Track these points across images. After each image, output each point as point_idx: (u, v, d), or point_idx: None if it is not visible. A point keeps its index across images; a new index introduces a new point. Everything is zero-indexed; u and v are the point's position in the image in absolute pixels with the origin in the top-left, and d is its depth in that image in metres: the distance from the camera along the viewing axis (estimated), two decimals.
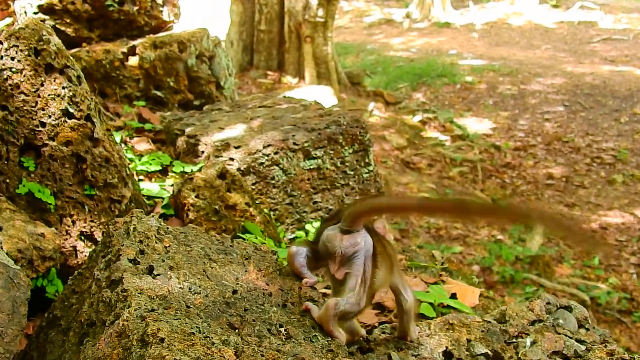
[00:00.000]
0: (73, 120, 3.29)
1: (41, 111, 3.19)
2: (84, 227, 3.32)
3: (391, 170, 13.76)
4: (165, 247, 2.17)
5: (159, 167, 4.19)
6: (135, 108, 5.29)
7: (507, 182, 13.58)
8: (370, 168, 4.18)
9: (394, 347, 2.52)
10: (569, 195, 13.05)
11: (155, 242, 2.16)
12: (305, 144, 3.98)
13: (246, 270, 2.21)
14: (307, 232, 3.97)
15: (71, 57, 3.37)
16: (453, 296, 3.35)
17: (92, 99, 3.38)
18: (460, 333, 2.65)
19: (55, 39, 3.30)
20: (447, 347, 2.59)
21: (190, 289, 1.99)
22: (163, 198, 3.86)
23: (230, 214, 3.57)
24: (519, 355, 2.53)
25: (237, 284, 2.12)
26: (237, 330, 1.93)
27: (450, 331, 2.64)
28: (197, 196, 3.52)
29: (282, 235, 3.90)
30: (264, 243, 3.34)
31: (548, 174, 13.78)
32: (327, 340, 1.97)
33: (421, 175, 13.89)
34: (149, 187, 3.98)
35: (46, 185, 3.24)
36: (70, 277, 2.37)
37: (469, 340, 2.59)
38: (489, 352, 2.54)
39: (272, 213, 3.94)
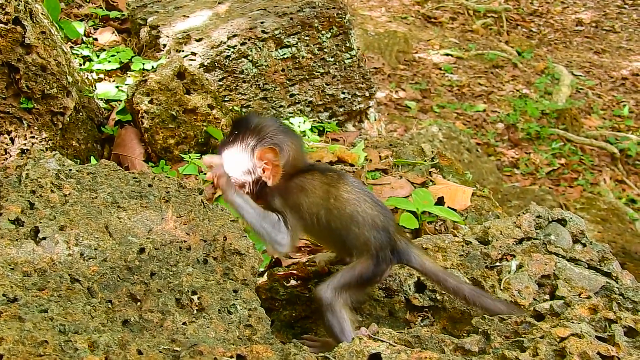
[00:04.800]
0: None
1: None
2: (25, 144, 2.98)
3: (411, 27, 13.21)
4: (64, 196, 1.82)
5: (117, 65, 3.76)
6: None
7: (533, 32, 12.98)
8: (353, 52, 3.71)
9: None
10: (598, 41, 12.45)
11: (51, 191, 1.81)
12: (276, 32, 3.52)
13: (163, 218, 1.85)
14: None
15: None
16: (440, 200, 3.00)
17: None
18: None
19: None
20: (419, 278, 2.27)
21: (82, 254, 1.66)
22: (121, 101, 3.47)
23: (191, 118, 3.19)
24: (502, 284, 2.19)
25: (148, 238, 1.77)
26: (138, 304, 1.61)
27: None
28: (150, 101, 3.12)
29: None
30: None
31: (577, 19, 13.13)
32: (249, 311, 1.63)
33: (443, 29, 13.33)
34: (106, 88, 3.58)
35: None
36: None
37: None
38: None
39: (244, 111, 3.55)
